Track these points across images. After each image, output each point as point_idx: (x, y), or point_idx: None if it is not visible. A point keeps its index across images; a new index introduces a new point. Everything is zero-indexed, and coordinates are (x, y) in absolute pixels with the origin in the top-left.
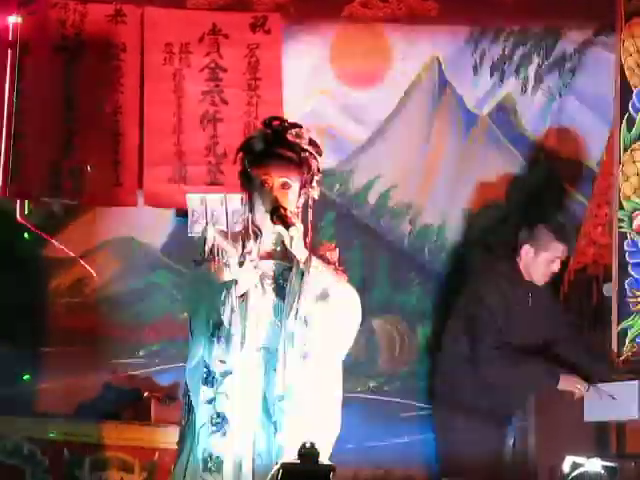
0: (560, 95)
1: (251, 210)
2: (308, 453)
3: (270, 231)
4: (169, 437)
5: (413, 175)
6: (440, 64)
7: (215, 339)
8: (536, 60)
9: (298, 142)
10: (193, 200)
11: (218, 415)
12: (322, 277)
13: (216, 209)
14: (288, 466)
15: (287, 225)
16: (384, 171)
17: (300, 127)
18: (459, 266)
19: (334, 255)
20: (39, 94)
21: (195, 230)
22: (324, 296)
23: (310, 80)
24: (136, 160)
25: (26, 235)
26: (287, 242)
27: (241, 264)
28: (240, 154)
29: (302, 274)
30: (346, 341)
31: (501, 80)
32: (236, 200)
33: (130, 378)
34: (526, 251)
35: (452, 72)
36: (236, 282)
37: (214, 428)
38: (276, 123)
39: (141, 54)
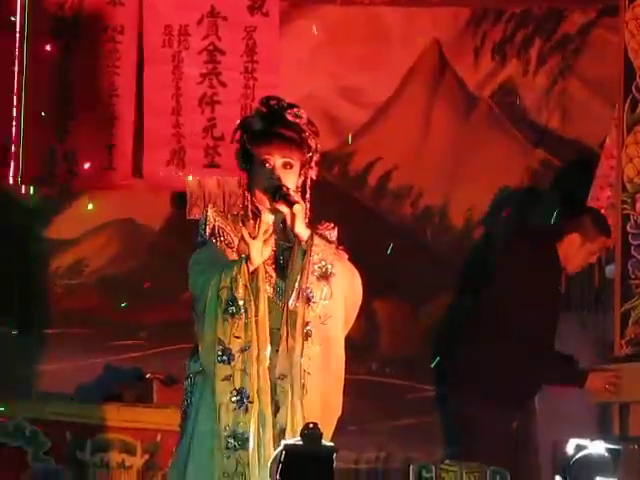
0: (563, 77)
1: (250, 190)
2: (311, 434)
3: (269, 211)
4: (171, 419)
5: (414, 157)
6: (440, 46)
7: (228, 316)
8: (538, 42)
9: (298, 122)
10: (191, 183)
11: (238, 392)
12: (324, 255)
13: (213, 191)
14: (291, 447)
15: (291, 203)
16: (384, 153)
17: (297, 107)
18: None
19: (333, 234)
20: (36, 78)
21: (193, 213)
22: (326, 275)
23: (309, 63)
24: (131, 144)
25: (25, 217)
26: (289, 221)
27: (254, 238)
28: (238, 133)
29: (303, 253)
30: (348, 320)
31: (502, 62)
32: (233, 183)
33: (131, 360)
34: (572, 240)
35: (453, 54)
36: (247, 258)
37: (235, 405)
38: (273, 103)
39: (139, 36)
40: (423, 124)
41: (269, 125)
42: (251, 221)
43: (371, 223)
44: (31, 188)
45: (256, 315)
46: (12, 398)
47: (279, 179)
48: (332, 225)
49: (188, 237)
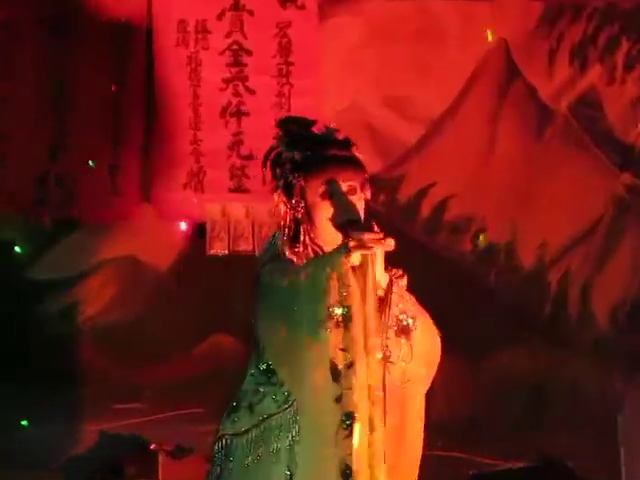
0: None
1: (311, 224)
2: None
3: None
4: None
5: (475, 183)
6: (508, 49)
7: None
8: (626, 43)
9: (342, 137)
10: (212, 211)
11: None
12: (405, 307)
13: (240, 222)
14: None
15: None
16: (440, 178)
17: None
18: None
19: (402, 282)
20: (25, 82)
21: (215, 247)
22: (407, 330)
23: (350, 67)
24: (139, 164)
25: (11, 252)
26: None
27: None
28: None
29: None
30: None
31: (583, 68)
32: (264, 211)
33: (132, 426)
34: None
35: (523, 59)
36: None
37: (346, 432)
38: (295, 125)
39: (148, 34)
40: (486, 142)
41: (317, 148)
42: None
43: (423, 261)
44: (17, 218)
45: None
46: None
47: (353, 209)
48: (401, 272)
49: (203, 278)
